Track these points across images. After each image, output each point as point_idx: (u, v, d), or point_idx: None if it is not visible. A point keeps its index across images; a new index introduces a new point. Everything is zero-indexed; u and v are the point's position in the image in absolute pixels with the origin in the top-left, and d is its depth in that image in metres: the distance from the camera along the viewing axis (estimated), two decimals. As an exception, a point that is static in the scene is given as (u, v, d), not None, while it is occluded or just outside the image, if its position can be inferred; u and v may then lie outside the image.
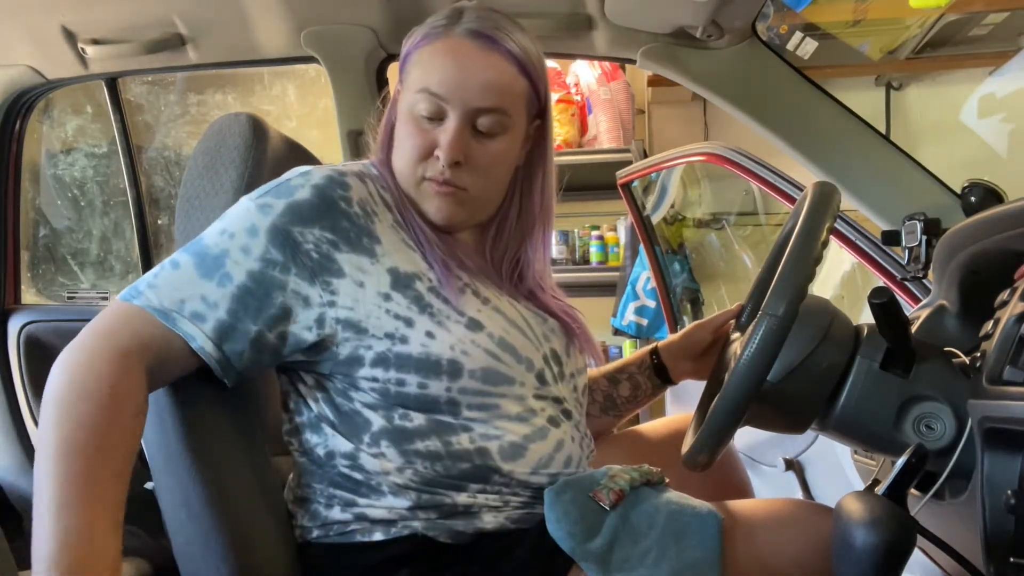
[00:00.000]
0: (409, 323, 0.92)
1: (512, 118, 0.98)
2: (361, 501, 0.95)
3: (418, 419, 0.93)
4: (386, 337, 0.91)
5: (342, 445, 0.95)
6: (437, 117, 0.95)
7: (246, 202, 0.92)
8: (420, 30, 0.99)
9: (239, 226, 0.90)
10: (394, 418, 0.93)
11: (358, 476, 0.95)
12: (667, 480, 1.05)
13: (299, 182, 0.93)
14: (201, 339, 0.88)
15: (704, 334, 1.22)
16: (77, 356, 0.84)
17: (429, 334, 0.92)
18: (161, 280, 0.89)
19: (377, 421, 0.93)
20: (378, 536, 0.94)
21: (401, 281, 0.93)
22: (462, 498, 0.94)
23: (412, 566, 0.93)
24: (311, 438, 0.97)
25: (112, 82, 1.99)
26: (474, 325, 0.94)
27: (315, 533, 0.98)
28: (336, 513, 0.96)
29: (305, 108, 3.16)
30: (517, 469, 0.95)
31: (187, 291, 0.88)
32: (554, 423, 1.00)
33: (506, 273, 1.06)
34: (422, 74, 0.95)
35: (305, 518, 0.99)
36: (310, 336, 0.91)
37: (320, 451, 0.97)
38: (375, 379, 0.92)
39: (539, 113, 1.03)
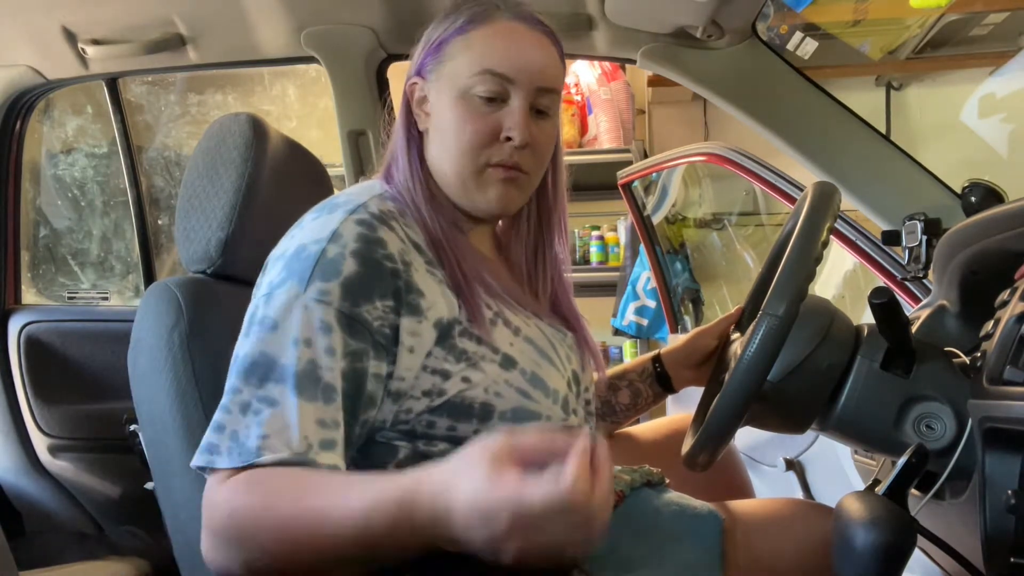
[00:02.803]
0: (446, 376, 0.86)
1: (560, 99, 0.96)
2: None
3: (441, 446, 0.87)
4: (424, 396, 0.86)
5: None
6: (500, 98, 0.91)
7: (300, 299, 0.81)
8: (453, 17, 0.94)
9: (311, 328, 0.80)
10: (419, 445, 0.87)
11: None
12: (668, 481, 1.05)
13: (336, 253, 0.82)
14: (339, 461, 0.79)
15: (708, 340, 1.18)
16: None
17: (465, 379, 0.86)
18: (269, 427, 0.77)
19: (403, 450, 0.87)
20: None
21: (443, 333, 0.86)
22: None
23: (418, 570, 0.93)
24: None
25: (112, 82, 1.99)
26: (507, 362, 0.89)
27: None
28: None
29: (305, 108, 3.16)
30: None
31: (304, 425, 0.77)
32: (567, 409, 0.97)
33: (528, 275, 1.02)
34: (479, 56, 0.91)
35: None
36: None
37: None
38: (405, 422, 0.86)
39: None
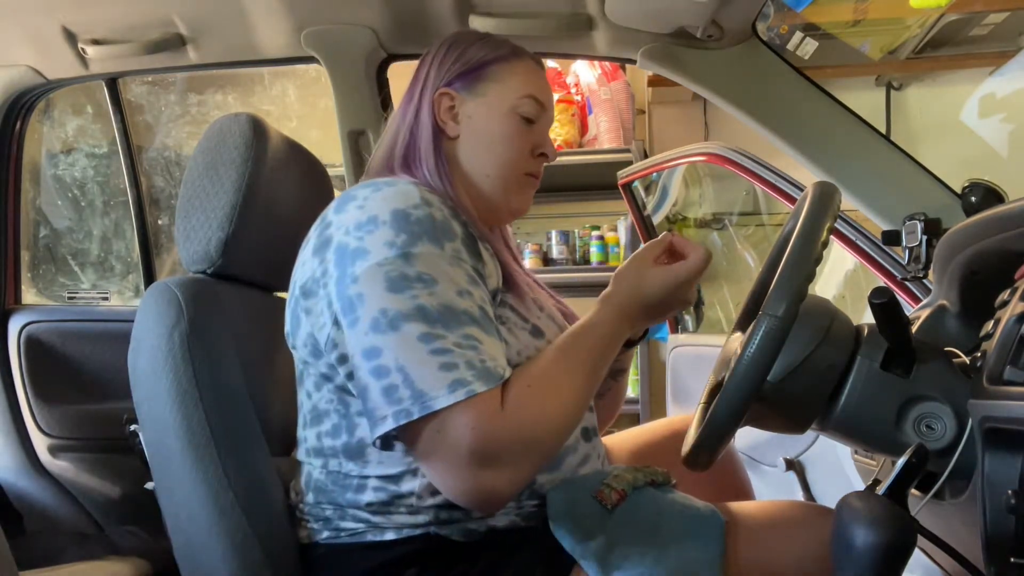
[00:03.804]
0: None
1: None
2: (376, 519, 0.95)
3: None
4: None
5: (383, 469, 0.94)
6: (534, 120, 1.08)
7: (443, 257, 0.90)
8: (493, 46, 1.09)
9: (463, 281, 0.90)
10: None
11: (384, 497, 0.94)
12: (674, 482, 1.06)
13: (442, 217, 0.92)
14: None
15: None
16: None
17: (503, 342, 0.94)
18: (486, 357, 0.86)
19: None
20: (389, 536, 0.95)
21: (493, 298, 0.97)
22: None
23: (421, 564, 0.93)
24: (345, 464, 0.96)
25: (112, 82, 1.99)
26: (536, 332, 0.99)
27: (325, 535, 0.98)
28: (349, 523, 0.97)
29: (305, 108, 3.16)
30: (548, 479, 0.97)
31: (499, 355, 0.88)
32: (586, 436, 1.03)
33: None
34: (524, 82, 1.08)
35: (316, 523, 0.99)
36: None
37: (352, 478, 0.95)
38: None
39: None
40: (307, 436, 1.01)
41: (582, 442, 1.03)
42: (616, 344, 0.98)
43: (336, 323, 0.90)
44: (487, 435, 0.83)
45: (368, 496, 0.95)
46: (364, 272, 0.88)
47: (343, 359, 0.91)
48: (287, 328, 1.02)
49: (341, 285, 0.89)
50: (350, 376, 0.91)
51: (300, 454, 1.03)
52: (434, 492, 0.93)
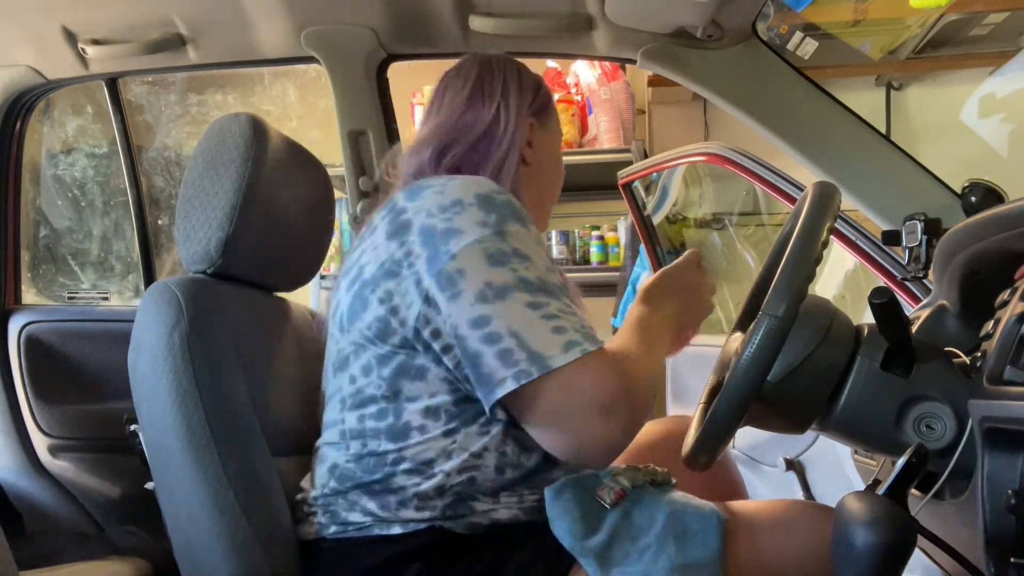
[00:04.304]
0: None
1: None
2: (384, 514, 0.97)
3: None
4: None
5: (420, 451, 0.96)
6: None
7: (531, 236, 0.97)
8: (544, 88, 1.19)
9: (547, 260, 0.97)
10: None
11: (408, 483, 0.96)
12: (674, 481, 1.06)
13: (519, 204, 0.98)
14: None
15: None
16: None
17: None
18: (583, 324, 0.93)
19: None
20: (396, 530, 0.96)
21: None
22: (487, 500, 0.97)
23: (425, 559, 0.95)
24: (384, 444, 0.98)
25: (112, 82, 1.99)
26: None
27: (332, 529, 1.00)
28: (357, 516, 0.98)
29: (305, 108, 3.16)
30: (559, 474, 1.00)
31: (586, 324, 0.94)
32: None
33: None
34: (559, 121, 1.22)
35: (324, 516, 1.00)
36: None
37: (384, 456, 0.97)
38: None
39: None
40: (345, 418, 1.02)
41: None
42: (654, 323, 1.05)
43: (427, 300, 0.93)
44: (606, 388, 0.89)
45: (398, 480, 0.97)
46: (462, 250, 0.92)
47: (436, 334, 0.94)
48: (340, 314, 1.02)
49: (435, 263, 0.93)
50: (446, 349, 0.94)
51: (330, 437, 1.04)
52: (461, 471, 0.95)
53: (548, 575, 0.95)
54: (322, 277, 2.91)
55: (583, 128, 3.35)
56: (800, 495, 1.65)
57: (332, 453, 1.03)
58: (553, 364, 0.88)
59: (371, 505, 0.97)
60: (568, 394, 0.89)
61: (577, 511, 0.94)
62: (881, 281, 1.51)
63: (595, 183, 3.12)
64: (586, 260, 3.31)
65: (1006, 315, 0.79)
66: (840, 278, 2.13)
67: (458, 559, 0.95)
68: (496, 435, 0.97)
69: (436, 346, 0.95)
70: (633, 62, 1.60)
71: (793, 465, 1.66)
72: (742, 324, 1.14)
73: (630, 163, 2.66)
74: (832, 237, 1.29)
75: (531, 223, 0.99)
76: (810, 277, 0.84)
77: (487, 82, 1.14)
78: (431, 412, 0.97)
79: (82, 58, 1.79)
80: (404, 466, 0.97)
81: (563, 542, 0.92)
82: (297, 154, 1.25)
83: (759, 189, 1.79)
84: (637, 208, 2.39)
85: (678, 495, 1.01)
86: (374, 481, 0.98)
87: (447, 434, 0.96)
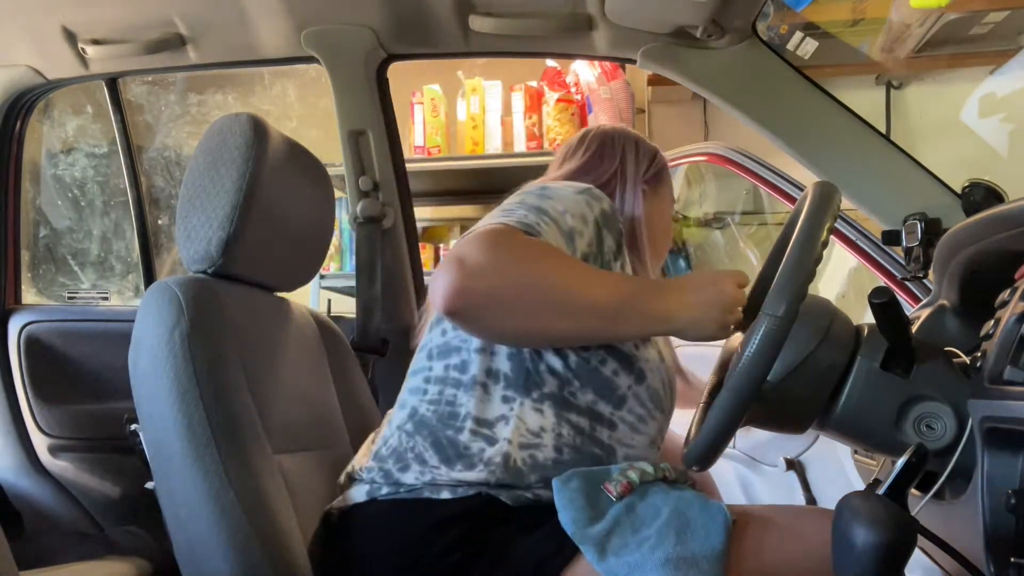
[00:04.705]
0: None
1: None
2: (443, 468, 1.01)
3: (584, 398, 1.05)
4: None
5: (483, 409, 1.04)
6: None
7: (572, 192, 1.07)
8: (660, 158, 1.27)
9: (577, 209, 1.05)
10: (564, 387, 1.05)
11: (467, 440, 1.02)
12: (690, 480, 1.09)
13: (597, 191, 1.09)
14: None
15: None
16: None
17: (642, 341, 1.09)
18: (545, 222, 1.01)
19: (550, 383, 1.05)
20: (445, 495, 1.00)
21: None
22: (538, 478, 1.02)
23: (466, 524, 0.99)
24: (460, 396, 1.05)
25: (112, 82, 1.99)
26: (655, 349, 1.12)
27: (384, 491, 1.03)
28: (410, 477, 1.02)
29: (305, 108, 3.16)
30: (615, 463, 1.06)
31: (546, 230, 1.02)
32: (654, 445, 1.12)
33: None
34: (673, 192, 1.32)
35: (379, 476, 1.04)
36: None
37: (456, 407, 1.04)
38: (587, 348, 1.05)
39: None
40: (433, 366, 1.08)
41: (650, 451, 1.11)
42: (636, 288, 1.03)
43: None
44: (480, 250, 0.94)
45: (463, 437, 1.02)
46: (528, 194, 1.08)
47: None
48: None
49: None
50: None
51: (416, 383, 1.09)
52: (523, 447, 1.02)
53: (557, 558, 0.96)
54: (322, 277, 2.90)
55: (583, 127, 3.35)
56: (800, 495, 1.65)
57: (412, 399, 1.08)
58: (480, 227, 0.98)
59: (434, 460, 1.01)
60: (459, 242, 0.97)
61: (582, 501, 0.96)
62: (882, 281, 1.51)
63: (595, 183, 3.11)
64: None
65: (1006, 315, 0.79)
66: (843, 277, 2.13)
67: (495, 527, 0.99)
68: (550, 416, 1.03)
69: None
70: (633, 62, 1.60)
71: (793, 465, 1.66)
72: (742, 324, 1.14)
73: (630, 163, 2.65)
74: (832, 237, 1.29)
75: (609, 223, 1.08)
76: (810, 277, 0.84)
77: (608, 147, 1.24)
78: (492, 374, 1.05)
79: (82, 58, 1.79)
80: (470, 426, 1.03)
81: (566, 529, 0.94)
82: (297, 154, 1.25)
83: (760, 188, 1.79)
84: (637, 208, 2.38)
85: (688, 492, 1.02)
86: (445, 435, 1.03)
87: (505, 400, 1.04)
